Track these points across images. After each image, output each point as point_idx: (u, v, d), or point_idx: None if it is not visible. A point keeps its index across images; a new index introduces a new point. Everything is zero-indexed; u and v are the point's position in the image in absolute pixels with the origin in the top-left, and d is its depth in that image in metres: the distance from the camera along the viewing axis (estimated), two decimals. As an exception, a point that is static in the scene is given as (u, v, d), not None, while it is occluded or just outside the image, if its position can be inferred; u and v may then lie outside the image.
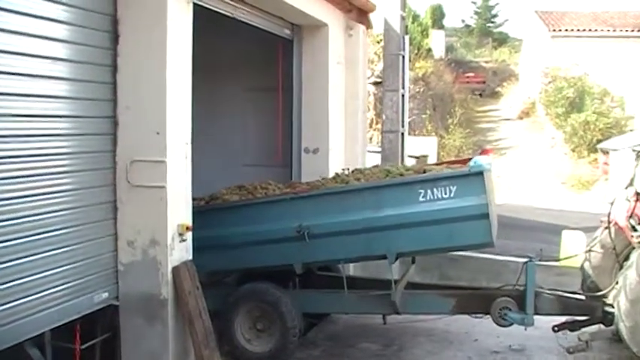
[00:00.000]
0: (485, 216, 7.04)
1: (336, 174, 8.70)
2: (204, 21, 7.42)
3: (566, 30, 30.69)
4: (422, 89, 28.78)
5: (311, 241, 7.47)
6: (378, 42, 19.47)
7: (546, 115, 30.22)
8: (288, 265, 7.78)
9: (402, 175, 7.90)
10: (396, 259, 7.62)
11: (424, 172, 7.77)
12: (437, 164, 8.78)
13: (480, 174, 7.07)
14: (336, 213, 7.51)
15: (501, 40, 54.92)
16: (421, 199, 7.20)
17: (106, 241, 6.48)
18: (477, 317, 7.97)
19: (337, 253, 7.62)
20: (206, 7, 7.76)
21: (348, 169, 8.94)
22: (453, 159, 16.64)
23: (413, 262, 8.86)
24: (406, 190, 7.35)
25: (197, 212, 7.15)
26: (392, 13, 11.83)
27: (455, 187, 7.09)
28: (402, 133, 11.76)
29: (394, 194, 7.41)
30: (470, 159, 7.62)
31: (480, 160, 7.22)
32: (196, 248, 7.00)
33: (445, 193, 7.12)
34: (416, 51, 29.58)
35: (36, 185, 5.57)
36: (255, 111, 11.38)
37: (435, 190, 7.15)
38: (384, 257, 7.50)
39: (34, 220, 5.52)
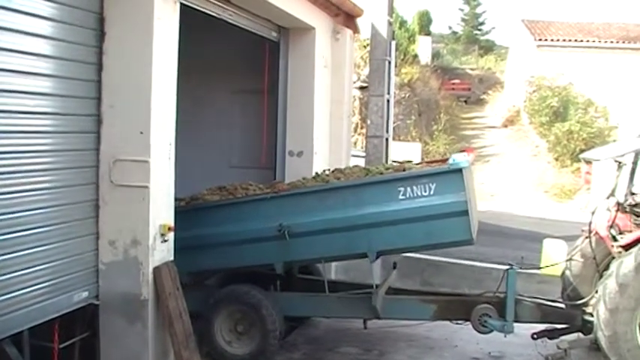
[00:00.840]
0: (465, 213, 7.07)
1: (317, 173, 8.69)
2: (191, 22, 7.39)
3: (552, 40, 30.82)
4: (407, 95, 28.85)
5: (292, 240, 7.47)
6: (365, 46, 19.49)
7: (530, 123, 30.36)
8: (268, 264, 7.79)
9: (381, 173, 7.91)
10: (377, 257, 7.63)
11: (404, 170, 7.79)
12: (417, 164, 8.81)
13: (458, 171, 7.10)
14: (317, 211, 7.52)
15: (488, 48, 55.02)
16: (401, 196, 7.23)
17: (87, 240, 6.44)
18: (457, 324, 7.99)
19: (318, 251, 7.62)
20: (193, 7, 7.74)
21: (329, 169, 8.95)
22: (432, 159, 16.66)
23: (394, 267, 8.87)
24: (386, 188, 7.37)
25: (178, 212, 7.12)
26: (379, 18, 11.84)
27: (434, 185, 7.12)
28: (387, 139, 11.78)
29: (374, 192, 7.43)
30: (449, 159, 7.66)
31: (459, 158, 7.25)
32: (177, 249, 6.98)
33: (425, 191, 7.15)
34: (402, 56, 29.62)
35: (17, 182, 5.52)
36: (241, 113, 11.35)
37: (414, 187, 7.18)
38: (365, 255, 7.51)
39: (13, 218, 5.48)
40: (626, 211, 7.87)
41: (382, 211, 7.30)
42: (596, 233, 8.01)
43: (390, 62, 11.97)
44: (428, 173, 7.36)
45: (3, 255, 5.37)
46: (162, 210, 6.71)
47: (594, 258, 8.07)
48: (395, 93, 12.62)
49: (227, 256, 7.80)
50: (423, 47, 39.87)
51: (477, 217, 7.70)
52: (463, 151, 8.58)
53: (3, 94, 5.34)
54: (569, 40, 30.78)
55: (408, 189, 7.21)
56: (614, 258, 7.53)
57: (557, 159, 27.43)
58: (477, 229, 7.44)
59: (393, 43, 12.26)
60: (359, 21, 12.24)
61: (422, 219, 7.16)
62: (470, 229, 7.13)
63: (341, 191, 7.60)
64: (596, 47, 30.20)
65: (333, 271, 10.11)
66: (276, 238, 7.51)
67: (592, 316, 7.34)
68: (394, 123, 14.68)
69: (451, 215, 7.10)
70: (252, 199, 7.92)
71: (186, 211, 7.72)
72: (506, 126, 32.78)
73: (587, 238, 8.11)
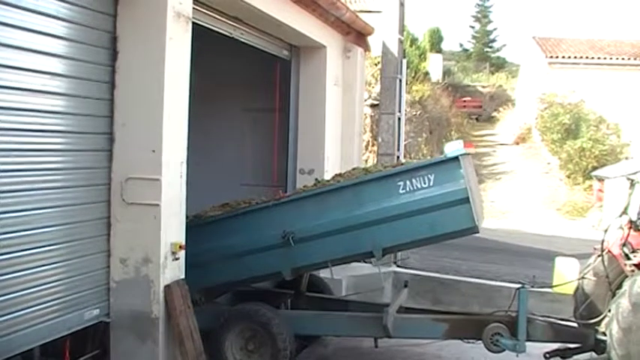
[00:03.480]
0: (466, 200, 7.03)
1: (317, 179, 8.64)
2: (204, 40, 7.45)
3: (563, 57, 30.83)
4: (418, 112, 28.83)
5: (297, 246, 7.46)
6: (376, 64, 19.52)
7: (542, 141, 30.27)
8: (276, 272, 7.78)
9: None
10: (384, 254, 7.59)
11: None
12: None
13: (455, 159, 7.10)
14: (319, 214, 7.52)
15: (499, 65, 55.17)
16: (401, 191, 7.22)
17: (98, 257, 6.46)
18: (468, 343, 7.93)
19: (324, 254, 7.58)
20: (205, 26, 7.80)
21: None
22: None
23: (405, 285, 8.84)
24: (385, 184, 7.36)
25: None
26: (390, 36, 11.90)
27: (433, 176, 7.12)
28: (398, 156, 11.79)
29: (374, 189, 7.42)
30: None
31: (454, 147, 7.24)
32: (186, 266, 6.99)
33: (424, 183, 7.14)
34: (413, 74, 29.67)
35: (30, 200, 5.55)
36: (252, 131, 11.41)
37: (413, 180, 7.18)
38: (371, 254, 7.50)
39: (26, 235, 5.50)
40: (638, 229, 7.81)
41: (384, 207, 7.27)
42: (609, 251, 7.95)
43: (401, 80, 12.02)
44: (426, 164, 7.39)
45: (15, 272, 5.39)
46: (173, 228, 6.73)
47: (607, 276, 8.00)
48: (406, 111, 12.66)
49: (235, 269, 7.78)
50: (434, 65, 40.02)
51: (482, 207, 7.63)
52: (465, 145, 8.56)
53: (17, 112, 5.38)
54: (581, 57, 30.78)
55: (408, 182, 7.20)
56: (627, 276, 7.48)
57: (569, 176, 27.32)
58: (482, 218, 7.38)
59: (404, 61, 12.32)
60: (370, 39, 12.30)
61: (424, 211, 7.13)
62: (473, 216, 7.07)
63: (341, 192, 7.58)
64: (607, 64, 30.19)
65: (344, 290, 10.09)
66: (282, 245, 7.51)
67: (605, 335, 7.27)
68: (405, 141, 14.67)
69: (453, 204, 7.06)
70: (254, 208, 7.91)
71: (191, 227, 7.71)
72: (517, 143, 32.75)
73: (599, 256, 8.05)
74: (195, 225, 7.83)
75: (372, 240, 7.37)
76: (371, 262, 10.92)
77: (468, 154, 7.43)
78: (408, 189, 7.20)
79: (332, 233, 7.43)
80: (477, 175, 8.08)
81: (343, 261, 8.15)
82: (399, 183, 7.24)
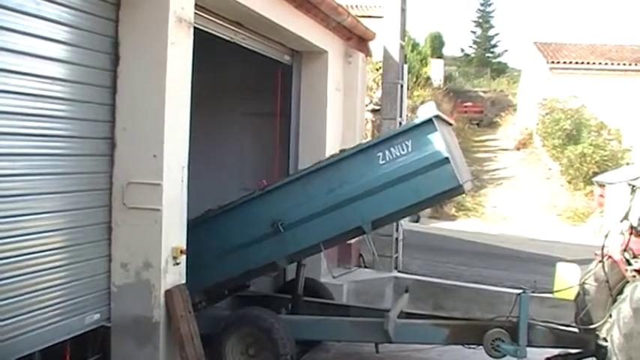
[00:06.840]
0: (446, 160, 7.05)
1: (298, 170, 8.64)
2: (205, 45, 7.45)
3: (564, 62, 30.81)
4: (420, 117, 28.84)
5: (287, 232, 7.50)
6: (377, 69, 19.55)
7: (543, 146, 30.25)
8: (271, 263, 7.81)
9: None
10: (374, 228, 7.62)
11: None
12: None
13: (429, 121, 7.12)
14: (304, 198, 7.56)
15: (500, 70, 55.09)
16: (381, 161, 7.26)
17: (99, 262, 6.46)
18: (469, 348, 7.93)
19: (315, 237, 7.60)
20: (207, 31, 7.81)
21: None
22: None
23: (406, 291, 8.83)
24: (365, 157, 7.41)
25: None
26: (391, 41, 11.92)
27: (410, 142, 7.16)
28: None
29: (354, 164, 7.46)
30: None
31: (425, 110, 7.25)
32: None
33: (403, 150, 7.18)
34: (414, 79, 29.68)
35: (30, 204, 5.56)
36: (253, 136, 11.40)
37: (392, 149, 7.22)
38: (362, 230, 7.51)
39: (27, 240, 5.51)
40: (639, 235, 7.81)
41: (366, 181, 7.31)
42: (610, 257, 7.94)
43: (402, 85, 12.03)
44: (401, 131, 7.44)
45: (16, 277, 5.39)
46: (174, 233, 6.73)
47: (607, 282, 7.99)
48: (407, 116, 12.64)
49: (230, 265, 7.81)
50: (436, 70, 40.02)
51: (467, 169, 7.85)
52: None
53: (18, 116, 5.39)
54: (582, 63, 30.76)
55: (387, 152, 7.24)
56: (627, 282, 7.47)
57: (570, 182, 27.29)
58: (468, 179, 7.50)
59: (405, 66, 12.33)
60: (371, 44, 12.32)
61: (407, 177, 7.17)
62: (456, 175, 7.09)
63: (322, 172, 7.63)
64: (608, 69, 30.15)
65: (345, 295, 10.08)
66: (272, 234, 7.55)
67: (606, 340, 7.26)
68: (406, 146, 14.67)
69: (434, 166, 7.09)
70: (240, 202, 7.94)
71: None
72: (518, 149, 32.71)
73: (600, 261, 8.04)
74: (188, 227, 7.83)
75: (359, 215, 7.40)
76: (372, 268, 10.96)
77: (449, 123, 7.47)
78: (387, 159, 7.25)
79: (319, 214, 7.47)
80: (459, 144, 8.14)
81: (335, 241, 8.13)
82: (378, 154, 7.28)
